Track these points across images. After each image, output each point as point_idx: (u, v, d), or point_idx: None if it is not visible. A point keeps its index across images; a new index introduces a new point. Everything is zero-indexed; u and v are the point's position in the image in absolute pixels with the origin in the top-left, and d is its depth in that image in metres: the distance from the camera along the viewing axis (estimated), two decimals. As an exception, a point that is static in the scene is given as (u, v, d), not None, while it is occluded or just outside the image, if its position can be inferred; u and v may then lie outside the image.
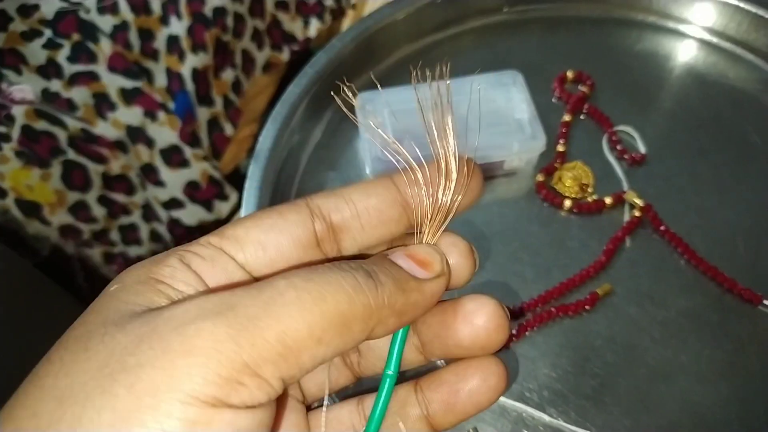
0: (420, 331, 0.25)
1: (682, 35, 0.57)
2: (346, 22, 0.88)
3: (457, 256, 0.23)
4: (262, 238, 0.22)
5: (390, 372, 0.23)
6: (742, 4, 0.54)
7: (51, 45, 0.67)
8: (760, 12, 0.54)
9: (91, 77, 0.69)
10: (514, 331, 0.42)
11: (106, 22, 0.70)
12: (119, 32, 0.70)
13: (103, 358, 0.17)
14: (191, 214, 0.75)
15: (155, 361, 0.17)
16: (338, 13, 0.86)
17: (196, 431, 0.16)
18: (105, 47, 0.69)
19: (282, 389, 0.18)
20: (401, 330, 0.23)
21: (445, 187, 0.24)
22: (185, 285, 0.20)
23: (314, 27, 0.85)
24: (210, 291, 0.20)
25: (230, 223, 0.22)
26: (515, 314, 0.43)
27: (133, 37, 0.71)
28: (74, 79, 0.68)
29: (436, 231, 0.24)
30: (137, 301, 0.19)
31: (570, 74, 0.54)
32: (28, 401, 0.18)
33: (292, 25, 0.84)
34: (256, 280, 0.21)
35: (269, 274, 0.22)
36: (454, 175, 0.24)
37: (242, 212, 0.44)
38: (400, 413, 0.24)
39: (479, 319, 0.23)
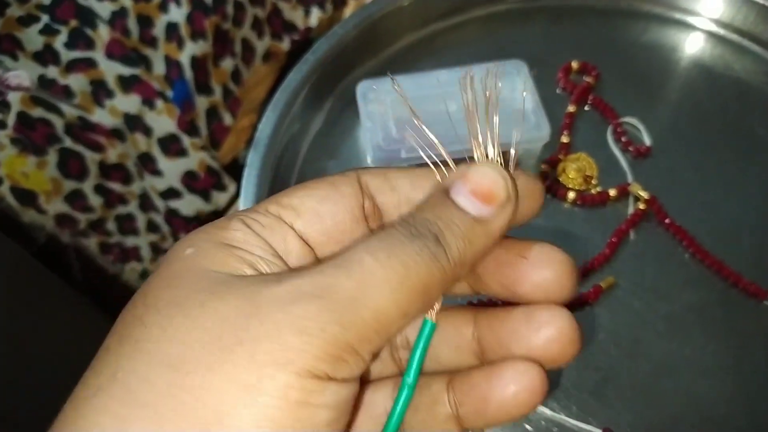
0: (480, 336, 0.23)
1: (688, 26, 0.56)
2: (348, 12, 0.87)
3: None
4: (318, 208, 0.22)
5: (409, 380, 0.22)
6: (749, -5, 0.54)
7: (48, 31, 0.66)
8: (767, 3, 0.53)
9: (89, 64, 0.68)
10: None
11: (104, 8, 0.69)
12: (118, 18, 0.69)
13: (214, 330, 0.18)
14: (189, 204, 0.75)
15: (269, 337, 0.18)
16: (340, 2, 0.85)
17: (311, 398, 0.18)
18: (103, 33, 0.68)
19: (372, 359, 0.19)
20: (423, 335, 0.22)
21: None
22: (261, 251, 0.21)
23: (315, 16, 0.84)
24: (291, 268, 0.21)
25: (282, 192, 0.22)
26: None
27: (132, 24, 0.70)
28: (71, 66, 0.67)
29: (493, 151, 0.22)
30: (219, 268, 0.20)
31: (575, 65, 0.53)
32: (130, 364, 0.18)
33: (293, 13, 0.83)
34: (312, 249, 0.22)
35: (326, 244, 0.22)
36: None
37: (241, 201, 0.44)
38: (430, 411, 0.23)
39: (549, 331, 0.21)
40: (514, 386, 0.21)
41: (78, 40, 0.67)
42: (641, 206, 0.46)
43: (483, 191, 0.20)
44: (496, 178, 0.20)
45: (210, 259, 0.20)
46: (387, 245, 0.19)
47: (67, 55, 0.67)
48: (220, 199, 0.78)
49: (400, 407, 0.22)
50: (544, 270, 0.22)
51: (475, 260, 0.21)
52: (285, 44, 0.83)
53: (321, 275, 0.19)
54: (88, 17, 0.67)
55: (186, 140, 0.72)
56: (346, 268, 0.19)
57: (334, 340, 0.18)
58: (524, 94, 0.48)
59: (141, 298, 0.20)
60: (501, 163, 0.22)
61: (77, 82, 0.68)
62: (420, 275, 0.19)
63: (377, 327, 0.19)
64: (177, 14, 0.71)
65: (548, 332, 0.21)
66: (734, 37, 0.55)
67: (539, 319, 0.21)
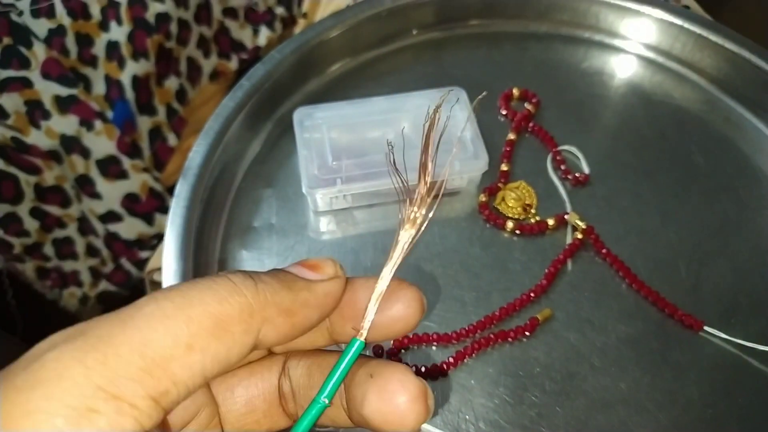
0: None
1: (628, 54, 0.57)
2: (298, 30, 0.86)
3: (406, 302, 0.22)
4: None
5: (325, 400, 0.21)
6: (686, 25, 0.54)
7: (-22, 49, 0.63)
8: (704, 33, 0.53)
9: (24, 84, 0.66)
10: (451, 359, 0.41)
11: (40, 26, 0.67)
12: (55, 37, 0.67)
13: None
14: (130, 228, 0.73)
15: (20, 398, 0.15)
16: (289, 22, 0.84)
17: None
18: (39, 52, 0.66)
19: (159, 412, 0.16)
20: (348, 353, 0.21)
21: (405, 219, 0.22)
22: None
23: (264, 35, 0.83)
24: None
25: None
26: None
27: (70, 43, 0.68)
28: (5, 85, 0.65)
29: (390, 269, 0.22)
30: None
31: (516, 92, 0.53)
32: None
33: (241, 32, 0.82)
34: None
35: None
36: (417, 209, 0.22)
37: (167, 233, 0.42)
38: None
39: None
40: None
41: (12, 58, 0.65)
42: (579, 236, 0.46)
43: (309, 264, 0.21)
44: (323, 259, 0.21)
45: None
46: (174, 285, 0.18)
47: (-1, 74, 0.64)
48: (165, 221, 0.76)
49: (309, 420, 0.21)
50: (390, 394, 0.20)
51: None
52: (233, 63, 0.82)
53: (85, 322, 0.17)
54: (23, 35, 0.65)
55: (126, 162, 0.70)
56: (117, 311, 0.17)
57: (75, 386, 0.15)
58: (462, 122, 0.47)
59: None
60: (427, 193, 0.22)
61: (11, 102, 0.66)
62: (208, 304, 0.17)
63: (143, 363, 0.16)
64: (118, 33, 0.69)
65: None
66: (673, 65, 0.56)
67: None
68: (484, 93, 0.46)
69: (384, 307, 0.22)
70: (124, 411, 0.15)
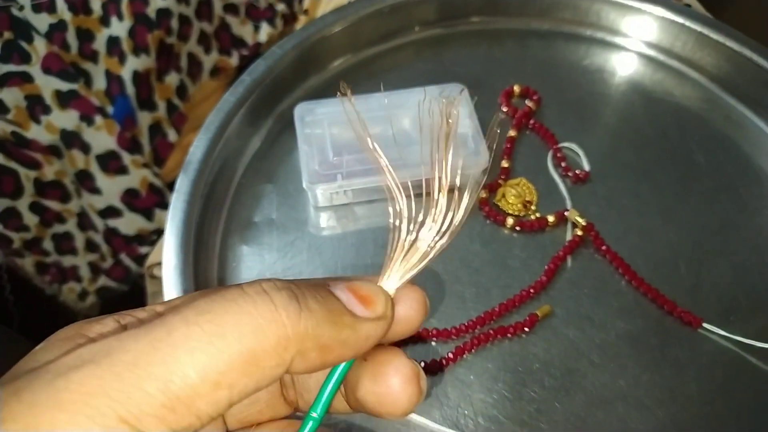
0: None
1: (629, 52, 0.57)
2: (299, 27, 0.86)
3: (410, 303, 0.21)
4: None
5: (315, 414, 0.20)
6: (687, 23, 0.54)
7: (-21, 43, 0.63)
8: (705, 31, 0.53)
9: (24, 78, 0.66)
10: (450, 354, 0.41)
11: (41, 21, 0.67)
12: (56, 32, 0.67)
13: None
14: (129, 223, 0.73)
15: (20, 417, 0.15)
16: (290, 19, 0.84)
17: None
18: (40, 47, 0.66)
19: None
20: (339, 369, 0.21)
21: (427, 224, 0.21)
22: None
23: (265, 32, 0.83)
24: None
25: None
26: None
27: (71, 38, 0.68)
28: (5, 80, 0.65)
29: (401, 275, 0.21)
30: (46, 358, 0.17)
31: (517, 89, 0.53)
32: None
33: (242, 29, 0.82)
34: None
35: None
36: (443, 209, 0.21)
37: (167, 228, 0.42)
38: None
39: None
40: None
41: (12, 52, 0.65)
42: (579, 233, 0.46)
43: (361, 294, 0.20)
44: (377, 292, 0.20)
45: (48, 352, 0.18)
46: (208, 302, 0.17)
47: (0, 69, 0.64)
48: (164, 217, 0.76)
49: None
50: (383, 376, 0.20)
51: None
52: (234, 60, 0.82)
53: (113, 339, 0.16)
54: (24, 30, 0.65)
55: (126, 157, 0.70)
56: (146, 328, 0.16)
57: (99, 415, 0.15)
58: (463, 119, 0.47)
59: None
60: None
61: (11, 96, 0.66)
62: (243, 335, 0.16)
63: (167, 401, 0.15)
64: (119, 28, 0.69)
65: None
66: (674, 63, 0.56)
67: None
68: (474, 98, 0.47)
69: None
70: None
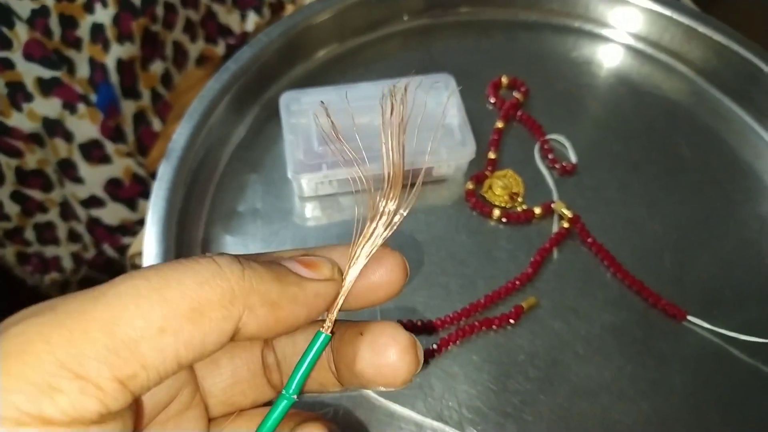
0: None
1: (616, 44, 0.56)
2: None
3: (390, 267, 0.22)
4: None
5: (288, 393, 0.20)
6: (675, 16, 0.54)
7: (-42, 28, 0.62)
8: (693, 24, 0.53)
9: (5, 65, 0.65)
10: (435, 346, 0.41)
11: (23, 7, 0.66)
12: (38, 18, 0.66)
13: None
14: (112, 213, 0.72)
15: None
16: (278, 7, 0.84)
17: None
18: (21, 33, 0.65)
19: (127, 395, 0.16)
20: (313, 349, 0.21)
21: (385, 202, 0.22)
22: None
23: (252, 21, 0.82)
24: None
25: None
26: (433, 329, 0.41)
27: (54, 24, 0.67)
28: (-15, 66, 0.64)
29: (366, 251, 0.22)
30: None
31: (505, 80, 0.53)
32: None
33: (229, 17, 0.81)
34: None
35: None
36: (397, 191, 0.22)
37: (148, 216, 0.41)
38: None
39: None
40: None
41: (-7, 38, 0.64)
42: (565, 225, 0.46)
43: (306, 262, 0.20)
44: (321, 259, 0.21)
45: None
46: (156, 265, 0.17)
47: (-20, 55, 0.63)
48: (147, 207, 0.75)
49: (275, 417, 0.21)
50: (382, 347, 0.20)
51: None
52: (220, 48, 0.81)
53: (58, 297, 0.16)
54: (4, 15, 0.64)
55: (110, 146, 0.69)
56: (93, 288, 0.17)
57: (38, 362, 0.14)
58: (450, 109, 0.47)
59: None
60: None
61: (-8, 83, 0.64)
62: (186, 286, 0.17)
63: (110, 342, 0.15)
64: (103, 15, 0.68)
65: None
66: (662, 56, 0.56)
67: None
68: (459, 87, 0.47)
69: (365, 272, 0.21)
70: (87, 391, 0.15)
